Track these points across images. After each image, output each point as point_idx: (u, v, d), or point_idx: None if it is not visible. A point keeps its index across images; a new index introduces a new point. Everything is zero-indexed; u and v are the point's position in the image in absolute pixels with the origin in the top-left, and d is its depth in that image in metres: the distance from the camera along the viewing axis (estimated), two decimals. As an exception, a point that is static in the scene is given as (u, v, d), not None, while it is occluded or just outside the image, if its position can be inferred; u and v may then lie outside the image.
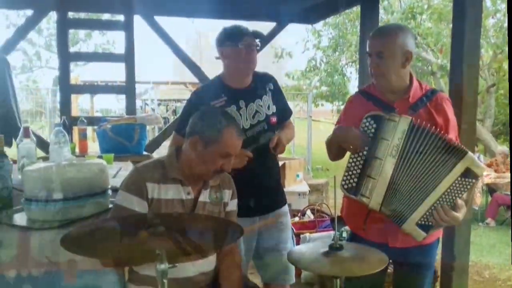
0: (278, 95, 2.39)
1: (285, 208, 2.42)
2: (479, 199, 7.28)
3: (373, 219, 1.92)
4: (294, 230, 3.61)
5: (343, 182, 1.89)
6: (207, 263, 1.82)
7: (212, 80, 2.44)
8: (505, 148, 8.35)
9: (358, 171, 1.86)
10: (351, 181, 1.87)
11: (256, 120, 2.26)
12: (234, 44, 2.20)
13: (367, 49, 1.94)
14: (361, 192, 1.84)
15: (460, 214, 1.77)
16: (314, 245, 1.74)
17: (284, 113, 2.43)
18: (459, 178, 1.75)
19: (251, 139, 2.24)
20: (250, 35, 2.22)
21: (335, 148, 2.04)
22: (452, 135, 1.89)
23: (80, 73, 16.33)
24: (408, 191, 1.80)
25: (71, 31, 4.68)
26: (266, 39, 4.31)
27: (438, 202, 1.77)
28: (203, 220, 1.38)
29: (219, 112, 1.84)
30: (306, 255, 1.66)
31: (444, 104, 1.94)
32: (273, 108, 2.33)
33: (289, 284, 2.42)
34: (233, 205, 1.97)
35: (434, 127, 1.80)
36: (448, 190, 1.76)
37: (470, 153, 1.77)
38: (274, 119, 2.32)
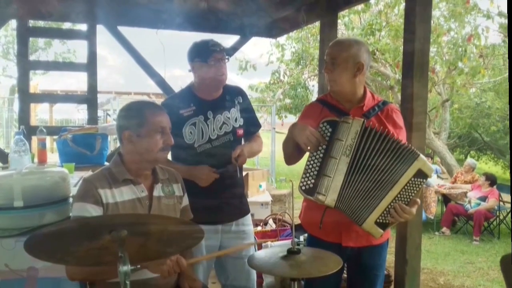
0: (246, 109, 2.44)
1: (248, 217, 2.47)
2: (434, 209, 7.57)
3: (328, 218, 1.99)
4: (257, 239, 3.66)
5: (301, 184, 1.96)
6: None
7: (182, 90, 2.46)
8: (472, 161, 8.72)
9: (315, 172, 1.94)
10: (308, 182, 1.94)
11: (223, 131, 2.31)
12: (203, 60, 2.24)
13: (324, 57, 2.06)
14: (317, 190, 1.92)
15: (414, 209, 1.93)
16: (272, 250, 1.79)
17: (252, 127, 2.48)
18: (412, 179, 1.88)
19: (217, 149, 2.29)
20: (219, 50, 2.26)
21: (291, 147, 2.10)
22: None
23: (38, 82, 15.89)
24: (365, 191, 1.90)
25: (30, 39, 4.60)
26: (231, 53, 4.37)
27: (394, 201, 1.89)
28: (164, 221, 1.41)
29: (134, 102, 1.90)
30: (266, 259, 1.70)
31: (394, 115, 2.09)
32: (241, 121, 2.38)
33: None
34: (186, 200, 2.04)
35: (386, 129, 1.92)
36: (403, 190, 1.89)
37: (421, 155, 1.90)
38: (240, 132, 2.37)
